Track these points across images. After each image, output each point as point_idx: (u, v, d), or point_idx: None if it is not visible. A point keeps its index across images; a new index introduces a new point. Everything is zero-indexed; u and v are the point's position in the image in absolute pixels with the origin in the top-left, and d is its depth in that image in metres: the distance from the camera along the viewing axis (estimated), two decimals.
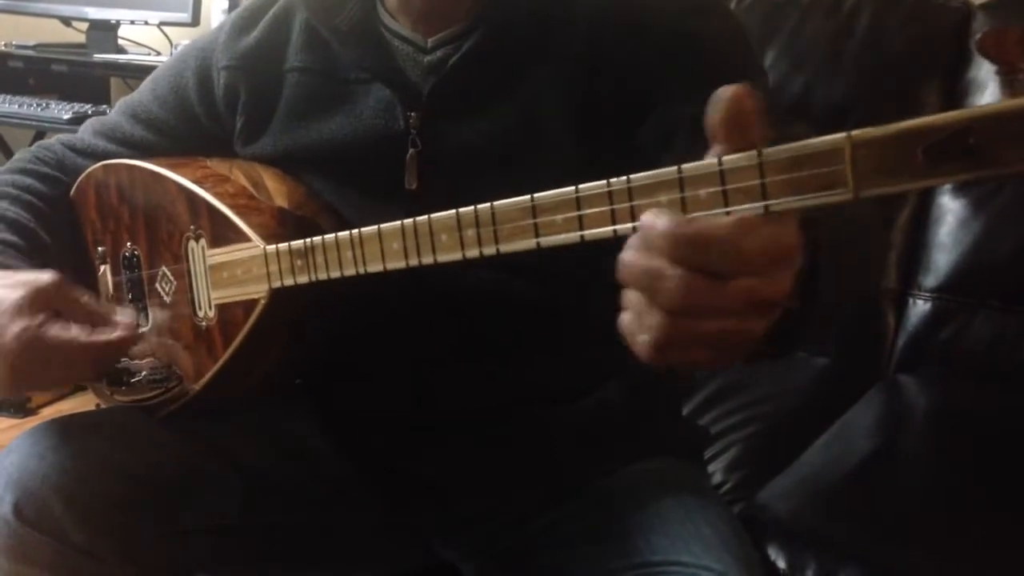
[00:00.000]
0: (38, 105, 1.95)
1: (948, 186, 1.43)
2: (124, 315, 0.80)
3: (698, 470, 0.97)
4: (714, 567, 0.74)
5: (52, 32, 2.21)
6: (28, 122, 1.96)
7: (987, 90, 1.40)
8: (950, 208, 1.43)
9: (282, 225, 0.82)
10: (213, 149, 0.93)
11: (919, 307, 1.43)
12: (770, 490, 1.11)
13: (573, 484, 0.86)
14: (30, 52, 2.09)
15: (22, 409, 1.45)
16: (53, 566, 0.78)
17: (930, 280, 1.43)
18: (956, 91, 1.43)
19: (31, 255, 0.87)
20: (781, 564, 0.99)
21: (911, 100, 1.45)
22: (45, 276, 0.77)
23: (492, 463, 0.87)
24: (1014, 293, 1.38)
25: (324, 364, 0.91)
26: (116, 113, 1.00)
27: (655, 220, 0.46)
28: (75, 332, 0.75)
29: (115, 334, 0.77)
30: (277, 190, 0.86)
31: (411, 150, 0.82)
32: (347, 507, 0.91)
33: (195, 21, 2.06)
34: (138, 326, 0.82)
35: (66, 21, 2.20)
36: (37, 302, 0.75)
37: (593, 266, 0.79)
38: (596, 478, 0.86)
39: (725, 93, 0.46)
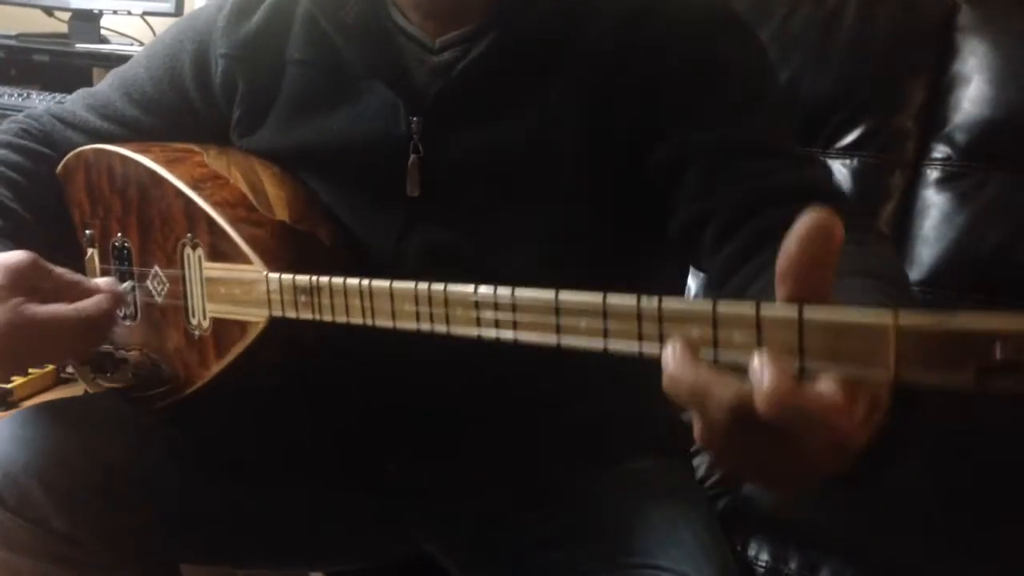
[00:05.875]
0: (19, 95, 1.93)
1: (932, 180, 1.43)
2: (106, 283, 0.79)
3: (684, 468, 0.97)
4: (690, 573, 0.74)
5: (34, 21, 2.19)
6: (9, 112, 1.93)
7: (971, 83, 1.40)
8: (934, 202, 1.43)
9: (282, 243, 0.79)
10: (207, 134, 0.91)
11: None
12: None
13: (559, 484, 0.86)
14: (11, 42, 2.06)
15: (3, 402, 1.44)
16: (33, 552, 0.77)
17: (914, 273, 1.43)
18: (941, 84, 1.43)
19: (9, 235, 0.85)
20: (764, 557, 0.99)
21: (897, 93, 1.45)
22: (17, 255, 0.76)
23: (479, 463, 0.87)
24: (998, 287, 1.38)
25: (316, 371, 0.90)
26: (108, 87, 0.96)
27: (764, 372, 0.41)
28: (57, 306, 0.74)
29: (100, 302, 0.76)
30: (277, 197, 0.83)
31: (412, 156, 0.79)
32: (332, 500, 0.91)
33: (178, 11, 2.04)
34: (120, 294, 0.80)
35: (48, 11, 2.17)
36: (14, 282, 0.74)
37: (593, 277, 0.79)
38: (583, 478, 0.86)
39: (812, 223, 0.41)
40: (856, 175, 1.43)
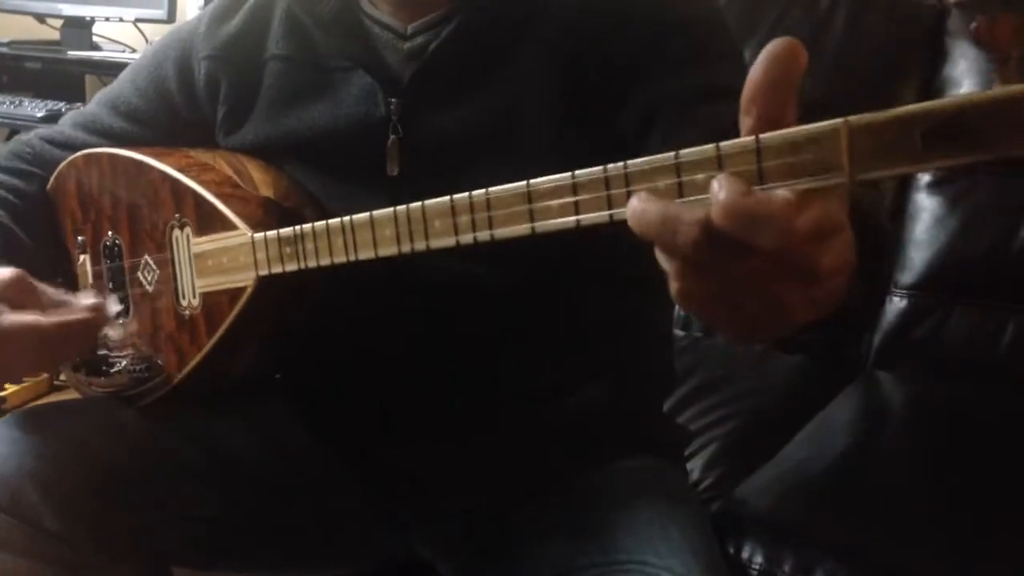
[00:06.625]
0: (11, 103, 1.93)
1: (924, 184, 1.44)
2: (88, 299, 0.79)
3: (676, 470, 0.97)
4: (678, 570, 0.74)
5: (26, 29, 2.19)
6: (1, 120, 1.94)
7: (962, 87, 1.41)
8: (926, 206, 1.44)
9: (268, 215, 0.81)
10: (195, 140, 0.92)
11: (895, 304, 1.44)
12: (748, 486, 1.11)
13: (552, 481, 0.86)
14: (3, 49, 2.07)
15: None
16: (27, 552, 0.77)
17: (906, 277, 1.44)
18: (932, 88, 1.44)
19: (6, 253, 0.86)
20: (759, 559, 0.99)
21: (888, 97, 1.46)
22: (4, 271, 0.77)
23: (472, 459, 0.87)
24: (989, 290, 1.39)
25: (305, 358, 0.91)
26: (95, 105, 0.99)
27: (720, 186, 0.42)
28: (36, 316, 0.75)
29: (78, 316, 0.76)
30: (262, 180, 0.85)
31: (392, 137, 0.82)
32: (328, 501, 0.91)
33: (170, 18, 2.04)
34: (104, 309, 0.81)
35: (40, 18, 2.18)
36: None
37: (580, 264, 0.80)
38: (575, 476, 0.86)
39: (776, 46, 0.43)
40: None
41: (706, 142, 0.58)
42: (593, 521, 0.81)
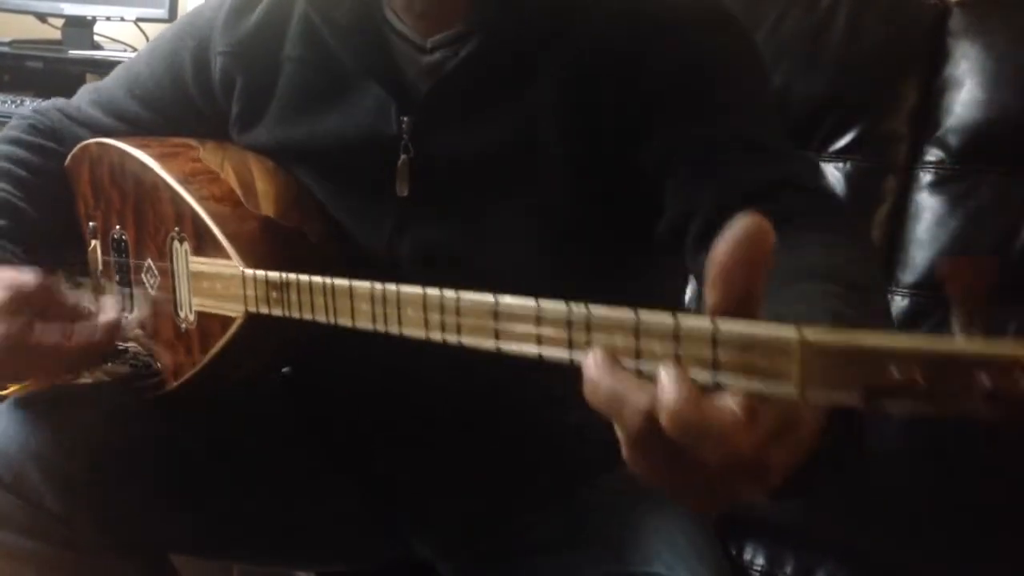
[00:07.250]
0: (12, 102, 1.93)
1: (926, 183, 1.44)
2: (107, 309, 0.79)
3: None
4: None
5: (27, 28, 2.19)
6: (2, 119, 1.94)
7: (964, 87, 1.40)
8: (927, 205, 1.44)
9: (265, 238, 0.80)
10: (208, 130, 0.92)
11: (897, 304, 1.44)
12: None
13: (551, 489, 0.86)
14: (5, 48, 2.07)
15: None
16: (29, 531, 0.78)
17: (908, 276, 1.43)
18: (933, 88, 1.44)
19: (18, 236, 0.86)
20: (760, 561, 0.99)
21: (890, 97, 1.45)
22: (28, 276, 0.77)
23: (471, 465, 0.87)
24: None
25: (306, 364, 0.91)
26: (113, 82, 0.98)
27: (667, 387, 0.41)
28: (57, 336, 0.75)
29: (97, 337, 0.76)
30: (266, 193, 0.84)
31: (403, 156, 0.80)
32: (327, 503, 0.92)
33: (172, 17, 2.04)
34: (119, 328, 0.81)
35: (41, 17, 2.17)
36: (20, 303, 0.75)
37: (584, 280, 0.79)
38: (574, 484, 0.86)
39: (743, 226, 0.40)
40: (849, 179, 1.43)
41: (720, 198, 0.56)
42: (596, 531, 0.80)
